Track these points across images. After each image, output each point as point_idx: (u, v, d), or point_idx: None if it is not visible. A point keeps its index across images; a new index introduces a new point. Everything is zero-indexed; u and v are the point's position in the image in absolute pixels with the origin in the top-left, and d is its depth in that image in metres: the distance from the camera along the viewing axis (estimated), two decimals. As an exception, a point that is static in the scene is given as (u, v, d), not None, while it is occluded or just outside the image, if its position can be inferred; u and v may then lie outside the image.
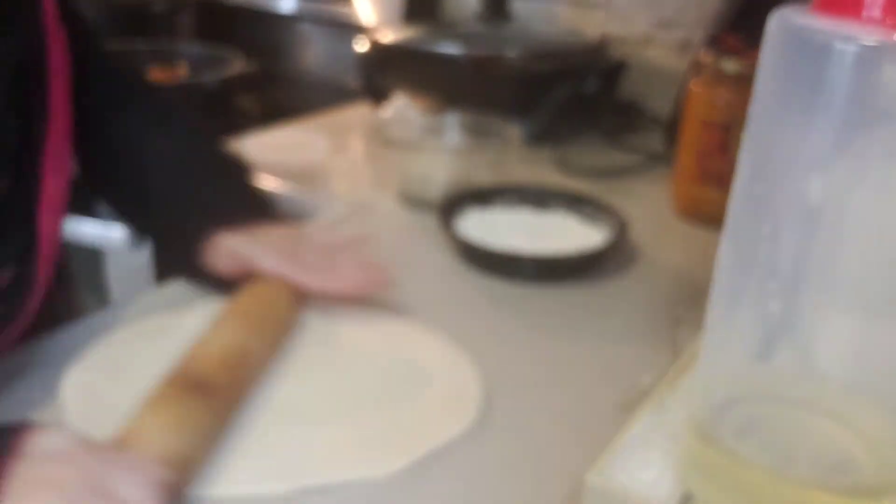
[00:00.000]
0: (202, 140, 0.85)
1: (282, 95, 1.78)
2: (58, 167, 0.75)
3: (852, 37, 0.39)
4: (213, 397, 0.58)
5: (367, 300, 0.75)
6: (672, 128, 1.18)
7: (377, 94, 1.42)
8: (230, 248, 0.74)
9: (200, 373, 0.59)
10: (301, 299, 0.72)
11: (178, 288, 0.84)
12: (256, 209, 0.79)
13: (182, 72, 1.65)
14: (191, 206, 0.78)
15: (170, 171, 0.80)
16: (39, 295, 0.73)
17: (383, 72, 1.40)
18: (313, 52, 1.96)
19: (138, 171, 0.80)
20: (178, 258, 0.78)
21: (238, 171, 0.83)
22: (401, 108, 1.22)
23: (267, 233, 0.75)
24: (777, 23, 0.43)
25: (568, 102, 1.34)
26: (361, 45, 1.42)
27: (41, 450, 0.51)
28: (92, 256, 1.26)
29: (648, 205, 1.13)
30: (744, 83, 0.98)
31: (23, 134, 0.71)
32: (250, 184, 0.82)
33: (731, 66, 0.99)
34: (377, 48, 1.39)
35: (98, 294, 0.99)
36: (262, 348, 0.65)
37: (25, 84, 0.71)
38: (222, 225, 0.75)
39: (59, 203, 0.75)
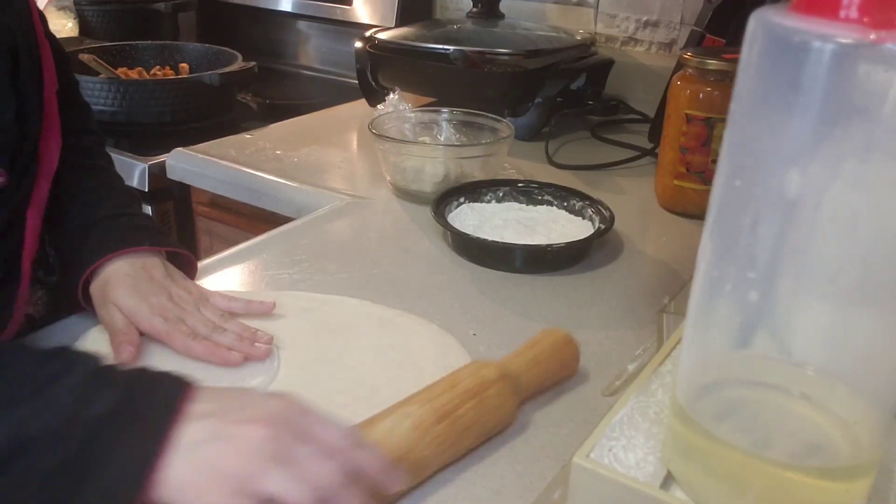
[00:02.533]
0: (113, 184, 0.86)
1: (281, 92, 1.79)
2: (48, 170, 0.76)
3: (829, 36, 0.40)
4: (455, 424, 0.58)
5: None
6: (657, 123, 1.20)
7: (373, 91, 1.43)
8: (117, 301, 0.72)
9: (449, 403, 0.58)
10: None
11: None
12: (147, 242, 0.78)
13: (184, 70, 1.66)
14: (86, 234, 0.77)
15: (79, 206, 0.80)
16: (25, 287, 0.74)
17: (379, 69, 1.41)
18: (311, 50, 1.97)
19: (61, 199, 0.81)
20: (70, 287, 0.76)
21: (138, 213, 0.83)
22: (396, 103, 1.23)
23: (157, 295, 0.73)
24: (757, 22, 0.44)
25: (557, 98, 1.36)
26: (358, 43, 1.43)
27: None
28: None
29: (634, 197, 1.15)
30: (725, 80, 1.00)
31: (20, 131, 0.72)
32: (147, 222, 0.82)
33: (713, 63, 1.01)
34: (373, 46, 1.40)
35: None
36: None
37: (20, 77, 0.72)
38: (111, 252, 0.74)
39: (43, 203, 0.76)
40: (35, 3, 0.77)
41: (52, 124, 0.77)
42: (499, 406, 0.61)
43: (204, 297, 0.77)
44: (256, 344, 0.72)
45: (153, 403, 0.50)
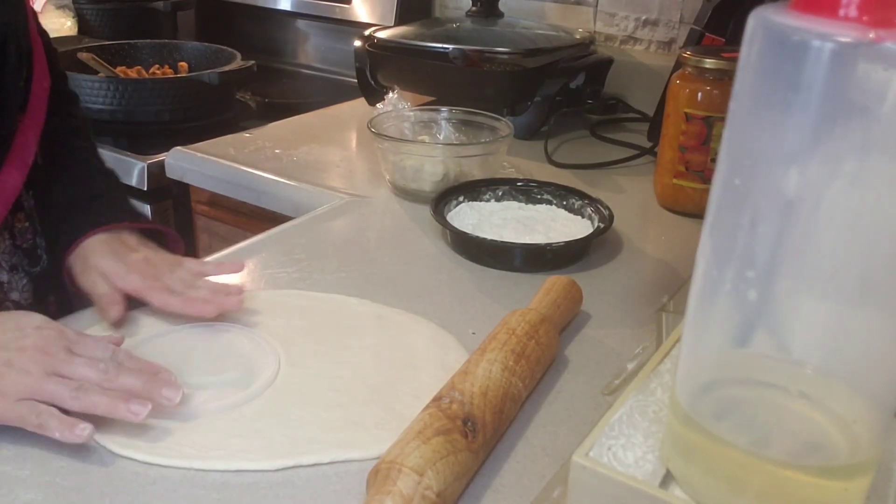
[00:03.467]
0: (96, 167, 0.90)
1: (280, 91, 1.79)
2: (20, 161, 0.78)
3: (828, 35, 0.40)
4: (477, 439, 0.58)
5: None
6: (656, 122, 1.20)
7: (372, 90, 1.43)
8: (97, 265, 0.76)
9: (470, 414, 0.58)
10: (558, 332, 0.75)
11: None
12: (127, 218, 0.82)
13: (183, 69, 1.66)
14: (70, 214, 0.81)
15: (65, 185, 0.85)
16: None
17: (378, 67, 1.41)
18: (310, 49, 1.97)
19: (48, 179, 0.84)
20: (58, 261, 0.81)
21: (119, 195, 0.87)
22: (395, 102, 1.23)
23: (134, 255, 0.77)
24: (756, 21, 0.44)
25: (557, 97, 1.36)
26: (357, 42, 1.43)
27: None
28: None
29: (633, 196, 1.15)
30: (724, 79, 1.00)
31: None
32: (128, 203, 0.87)
33: (712, 62, 1.01)
34: (372, 44, 1.40)
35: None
36: (523, 391, 0.65)
37: (5, 70, 0.73)
38: (93, 228, 0.78)
39: (10, 195, 0.78)
40: (29, 1, 0.78)
41: (35, 120, 0.79)
42: (549, 343, 0.70)
43: (178, 261, 0.79)
44: (228, 296, 0.75)
45: None
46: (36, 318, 0.65)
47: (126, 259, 0.76)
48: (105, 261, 0.75)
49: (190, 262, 0.80)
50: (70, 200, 0.82)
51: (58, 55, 0.92)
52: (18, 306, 0.80)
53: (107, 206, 0.83)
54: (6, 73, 0.74)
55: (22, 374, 0.59)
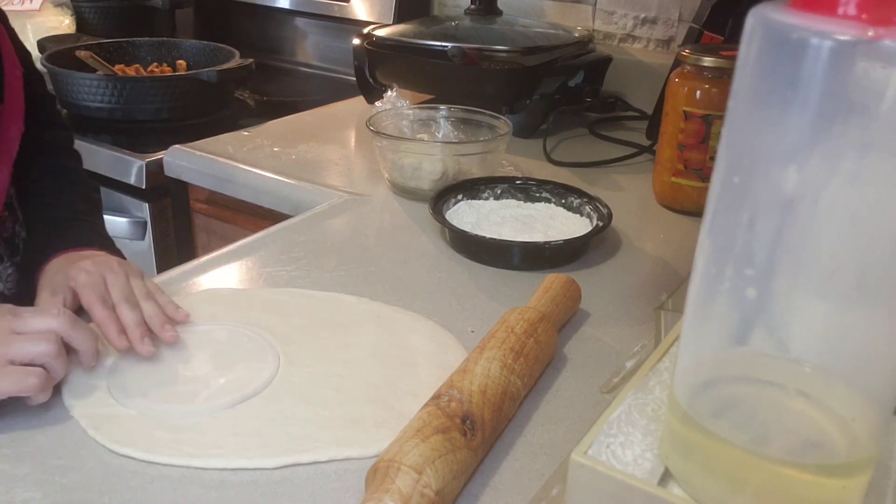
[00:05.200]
0: (78, 190, 0.90)
1: (278, 89, 1.79)
2: (7, 155, 0.79)
3: (827, 33, 0.40)
4: (476, 437, 0.58)
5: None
6: (655, 121, 1.20)
7: (371, 88, 1.43)
8: (45, 271, 0.76)
9: (469, 412, 0.58)
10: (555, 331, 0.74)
11: (174, 275, 0.86)
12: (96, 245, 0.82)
13: (181, 67, 1.66)
14: (40, 237, 0.82)
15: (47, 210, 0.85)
16: None
17: (377, 66, 1.41)
18: (309, 47, 1.97)
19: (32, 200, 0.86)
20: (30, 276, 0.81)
21: (96, 219, 0.87)
22: (394, 100, 1.23)
23: (88, 256, 0.76)
24: (754, 19, 0.43)
25: (555, 95, 1.36)
26: (356, 40, 1.43)
27: None
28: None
29: (632, 195, 1.15)
30: (723, 77, 1.00)
31: None
32: (101, 228, 0.87)
33: (710, 60, 1.01)
34: (371, 43, 1.40)
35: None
36: (522, 389, 0.65)
37: None
38: (59, 251, 0.78)
39: (2, 188, 0.78)
40: None
41: (13, 111, 0.79)
42: (548, 340, 0.70)
43: (138, 273, 0.76)
44: (166, 326, 0.71)
45: None
46: None
47: (78, 263, 0.74)
48: (56, 265, 0.75)
49: (148, 282, 0.76)
50: (42, 219, 0.83)
51: (30, 55, 0.93)
52: (3, 297, 0.80)
53: (78, 231, 0.83)
54: None
55: None
